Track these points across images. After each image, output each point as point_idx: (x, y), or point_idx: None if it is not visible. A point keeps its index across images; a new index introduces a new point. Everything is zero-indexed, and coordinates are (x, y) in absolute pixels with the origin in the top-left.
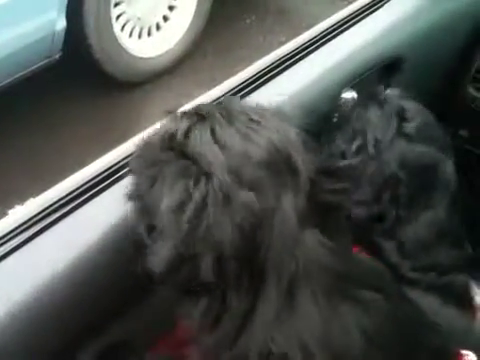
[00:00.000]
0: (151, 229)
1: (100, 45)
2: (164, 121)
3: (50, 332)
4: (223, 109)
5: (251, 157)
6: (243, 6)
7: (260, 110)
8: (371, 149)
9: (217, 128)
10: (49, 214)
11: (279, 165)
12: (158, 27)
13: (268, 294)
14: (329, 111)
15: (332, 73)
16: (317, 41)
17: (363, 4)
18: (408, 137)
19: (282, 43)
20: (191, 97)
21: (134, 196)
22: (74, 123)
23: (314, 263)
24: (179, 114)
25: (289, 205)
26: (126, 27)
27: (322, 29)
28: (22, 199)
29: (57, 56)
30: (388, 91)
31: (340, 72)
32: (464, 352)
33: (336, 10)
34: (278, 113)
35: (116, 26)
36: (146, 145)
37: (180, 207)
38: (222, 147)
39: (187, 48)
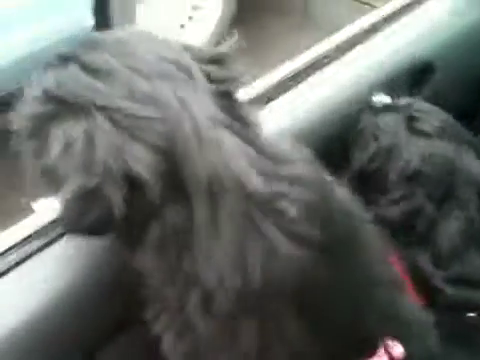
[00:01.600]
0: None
1: None
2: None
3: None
4: (84, 44)
5: (137, 71)
6: (267, 8)
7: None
8: (387, 150)
9: (86, 61)
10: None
11: (168, 70)
12: (182, 26)
13: (195, 213)
14: (359, 115)
15: (363, 77)
16: (348, 44)
17: (395, 8)
18: (426, 135)
19: (308, 46)
20: None
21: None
22: None
23: (235, 175)
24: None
25: (196, 108)
26: (151, 26)
27: (353, 32)
28: None
29: None
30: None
31: (371, 76)
32: (391, 343)
33: (358, 13)
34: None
35: (141, 24)
36: (24, 104)
37: (67, 149)
38: (98, 76)
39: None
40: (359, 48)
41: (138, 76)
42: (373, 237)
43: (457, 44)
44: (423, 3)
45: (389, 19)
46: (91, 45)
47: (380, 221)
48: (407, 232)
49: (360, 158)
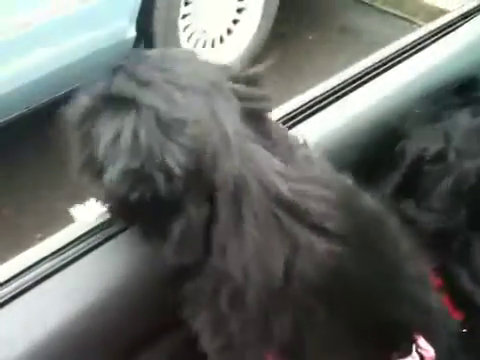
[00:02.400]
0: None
1: None
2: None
3: None
4: (131, 58)
5: (174, 84)
6: (305, 23)
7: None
8: (452, 156)
9: (131, 72)
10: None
11: (202, 86)
12: (222, 40)
13: (219, 212)
14: (400, 129)
15: (405, 92)
16: (391, 60)
17: (437, 26)
18: None
19: (344, 61)
20: None
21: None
22: None
23: (263, 182)
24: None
25: (224, 120)
26: (192, 39)
27: (395, 49)
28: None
29: None
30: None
31: (414, 91)
32: (423, 344)
33: (398, 30)
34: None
35: (183, 37)
36: (76, 102)
37: (116, 138)
38: (141, 84)
39: (249, 61)
40: (402, 65)
41: (175, 89)
42: (400, 235)
43: None
44: (466, 21)
45: (433, 37)
46: (137, 59)
47: (411, 225)
48: (439, 246)
49: (419, 151)
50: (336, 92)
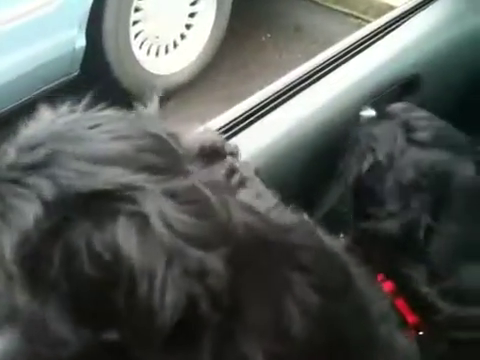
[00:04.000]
0: None
1: (119, 63)
2: None
3: None
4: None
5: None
6: (259, 24)
7: None
8: (384, 161)
9: None
10: None
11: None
12: (175, 45)
13: None
14: (347, 130)
15: (350, 93)
16: (335, 61)
17: (381, 24)
18: (421, 144)
19: (298, 60)
20: (208, 114)
21: None
22: None
23: None
24: None
25: None
26: (144, 45)
27: (340, 49)
28: None
29: (76, 73)
30: (393, 105)
31: (358, 91)
32: None
33: (350, 28)
34: None
35: (134, 44)
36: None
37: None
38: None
39: (203, 65)
40: (346, 65)
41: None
42: (363, 276)
43: (441, 57)
44: (409, 19)
45: (376, 35)
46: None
47: (378, 236)
48: (405, 248)
49: (356, 170)
50: (282, 94)
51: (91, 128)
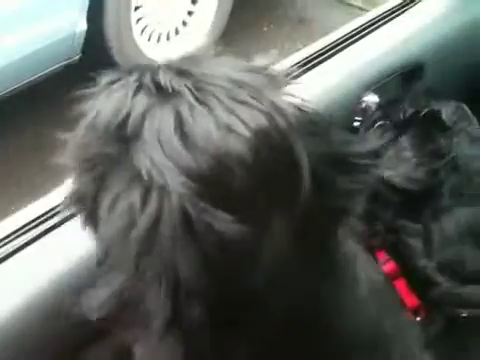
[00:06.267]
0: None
1: (119, 48)
2: (115, 87)
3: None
4: (195, 80)
5: (229, 155)
6: (261, 13)
7: (246, 76)
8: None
9: (184, 113)
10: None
11: (268, 167)
12: (177, 32)
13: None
14: (348, 117)
15: (352, 79)
16: (337, 46)
17: (385, 10)
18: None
19: (300, 50)
20: None
21: (77, 202)
22: None
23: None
24: (132, 83)
25: (281, 229)
26: (145, 31)
27: (342, 34)
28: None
29: (76, 58)
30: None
31: (360, 78)
32: None
33: (354, 19)
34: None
35: (136, 29)
36: (88, 129)
37: (125, 233)
38: (187, 144)
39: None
40: (349, 49)
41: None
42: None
43: (445, 45)
44: (412, 6)
45: (379, 21)
46: (201, 94)
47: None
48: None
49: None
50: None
51: None
